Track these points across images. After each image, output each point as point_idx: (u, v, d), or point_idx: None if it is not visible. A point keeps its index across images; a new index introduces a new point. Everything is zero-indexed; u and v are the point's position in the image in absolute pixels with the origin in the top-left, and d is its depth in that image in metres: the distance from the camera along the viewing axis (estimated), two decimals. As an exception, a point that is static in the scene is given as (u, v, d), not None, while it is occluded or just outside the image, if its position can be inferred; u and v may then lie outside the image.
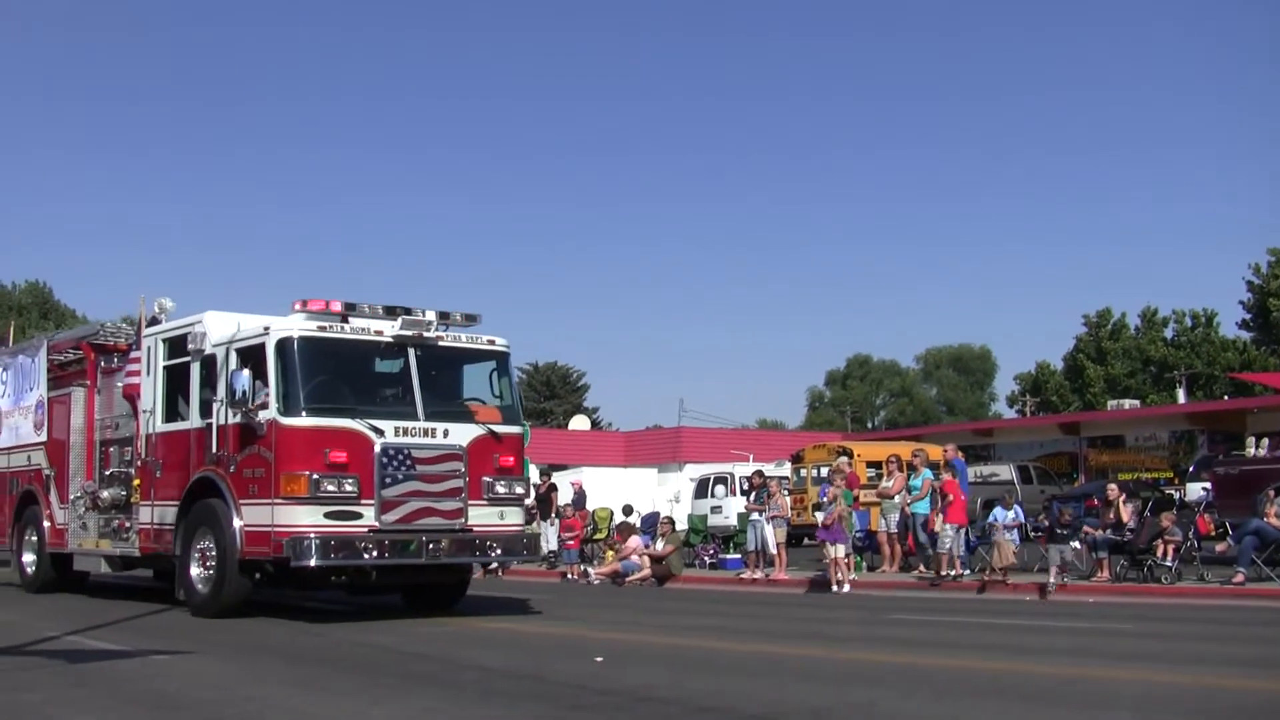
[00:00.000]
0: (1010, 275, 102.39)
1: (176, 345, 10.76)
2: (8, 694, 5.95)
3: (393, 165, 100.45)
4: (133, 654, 7.54)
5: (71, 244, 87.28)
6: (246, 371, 9.45)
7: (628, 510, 19.22)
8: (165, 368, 10.90)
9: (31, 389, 13.32)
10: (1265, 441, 17.16)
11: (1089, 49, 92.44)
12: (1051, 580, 12.19)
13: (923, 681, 6.41)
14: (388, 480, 9.42)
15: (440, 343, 10.19)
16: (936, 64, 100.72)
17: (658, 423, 52.79)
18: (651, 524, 18.00)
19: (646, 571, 16.42)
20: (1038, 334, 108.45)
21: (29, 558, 13.24)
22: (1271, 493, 13.08)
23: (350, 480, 9.27)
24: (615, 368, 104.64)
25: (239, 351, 9.82)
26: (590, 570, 17.34)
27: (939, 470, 14.43)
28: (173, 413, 10.80)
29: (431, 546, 9.52)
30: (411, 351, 9.98)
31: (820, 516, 14.43)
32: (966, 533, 14.16)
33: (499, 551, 10.16)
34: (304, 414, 9.34)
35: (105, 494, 11.68)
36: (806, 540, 20.13)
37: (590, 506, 20.04)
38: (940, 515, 13.85)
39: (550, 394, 60.45)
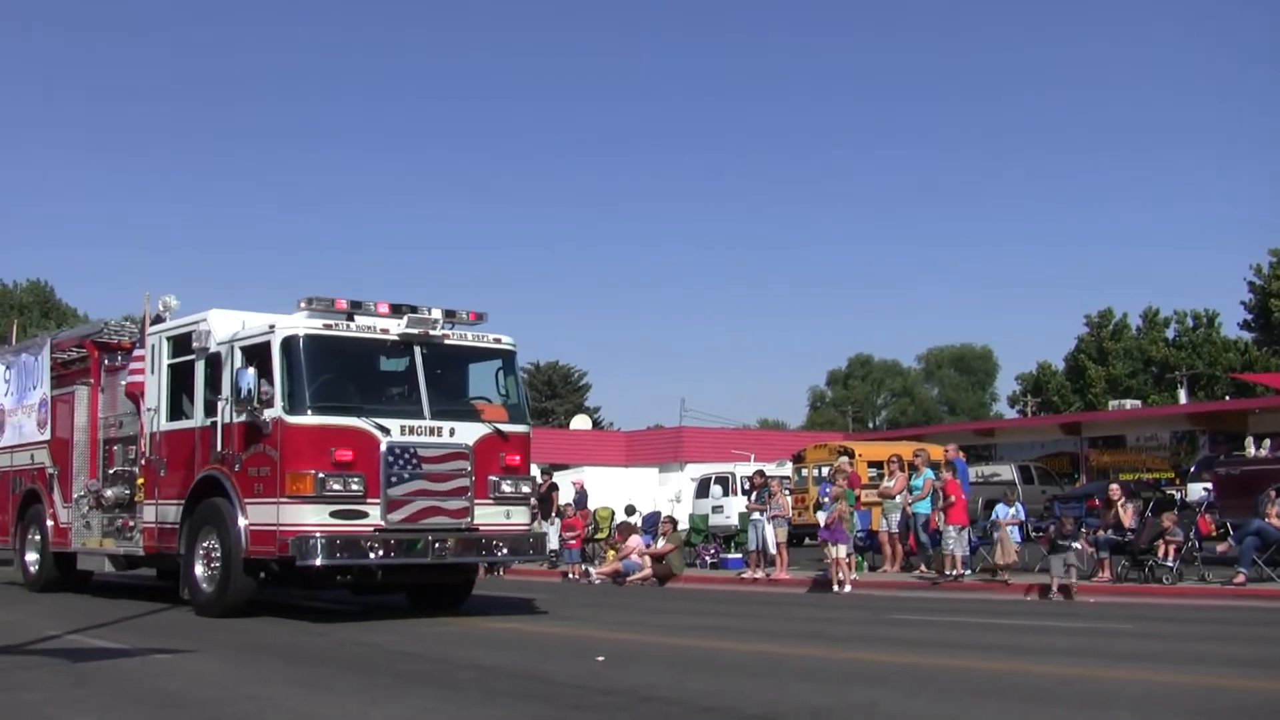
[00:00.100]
0: (1011, 275, 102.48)
1: (181, 343, 10.74)
2: (9, 694, 5.95)
3: (393, 165, 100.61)
4: (134, 653, 7.54)
5: (72, 244, 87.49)
6: (252, 370, 9.42)
7: (630, 510, 19.24)
8: (169, 366, 10.87)
9: (35, 387, 13.30)
10: (1266, 442, 17.15)
11: (1089, 49, 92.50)
12: (1054, 591, 12.19)
13: (924, 681, 6.41)
14: (393, 479, 9.39)
15: (446, 341, 10.15)
16: (936, 64, 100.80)
17: (659, 422, 52.82)
18: (653, 524, 18.01)
19: (647, 571, 16.43)
20: (1039, 334, 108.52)
21: (32, 557, 13.23)
22: (1273, 493, 13.07)
23: (356, 479, 9.24)
24: (616, 367, 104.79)
25: (244, 349, 9.79)
26: (591, 570, 17.36)
27: (940, 470, 14.44)
28: (177, 411, 10.78)
29: (437, 546, 9.48)
30: (417, 350, 9.94)
31: (822, 516, 14.44)
32: (968, 533, 14.18)
33: (505, 551, 10.09)
34: (309, 412, 9.31)
35: (109, 493, 11.66)
36: (807, 540, 20.14)
37: (591, 506, 20.07)
38: (941, 515, 13.87)
39: (552, 393, 60.46)
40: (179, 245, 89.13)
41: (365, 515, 9.28)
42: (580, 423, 48.96)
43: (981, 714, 5.49)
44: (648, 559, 16.61)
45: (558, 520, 18.55)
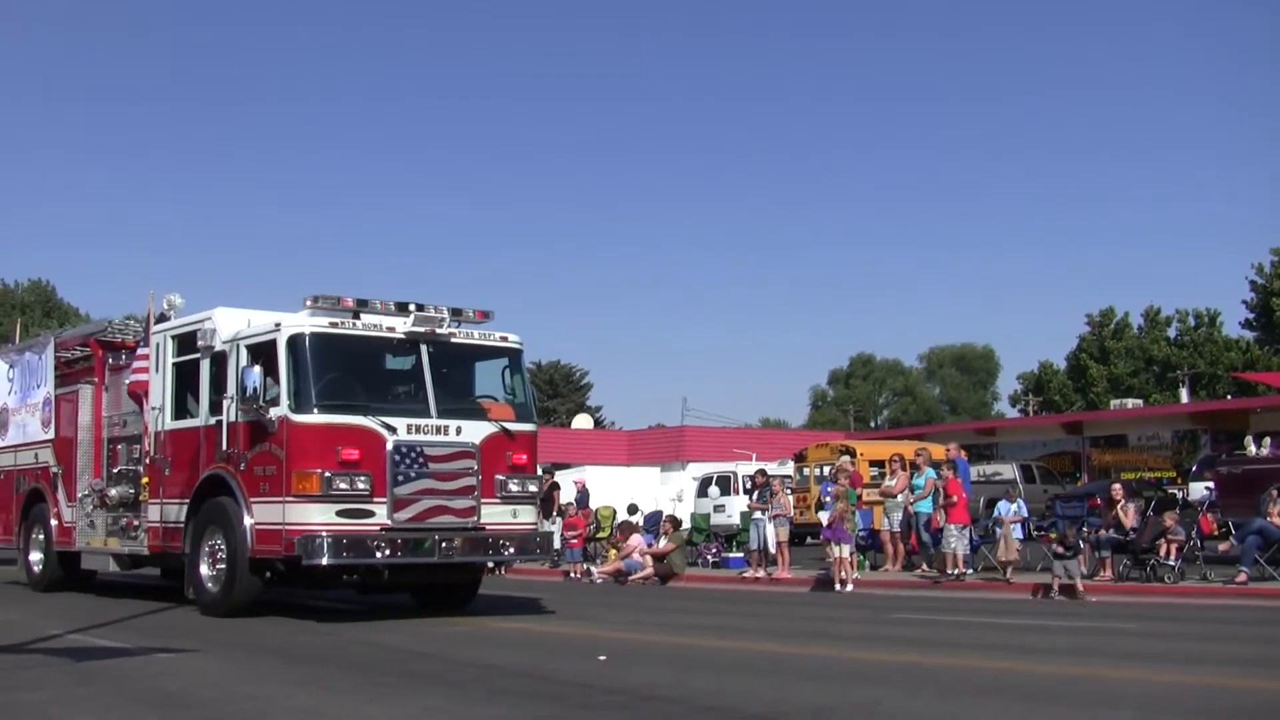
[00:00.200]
0: (1012, 275, 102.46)
1: (186, 342, 10.70)
2: (11, 693, 5.94)
3: (393, 165, 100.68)
4: (136, 653, 7.54)
5: (73, 244, 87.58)
6: (257, 368, 9.37)
7: (632, 509, 19.25)
8: (174, 365, 10.84)
9: (39, 386, 13.25)
10: (1266, 440, 17.15)
11: (1089, 49, 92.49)
12: (1056, 591, 12.20)
13: (926, 681, 6.41)
14: (400, 478, 9.35)
15: (453, 339, 10.11)
16: (936, 64, 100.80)
17: (661, 422, 52.86)
18: (654, 523, 18.03)
19: (649, 570, 16.44)
20: (1040, 333, 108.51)
21: (36, 556, 13.20)
22: (1274, 492, 13.07)
23: (362, 478, 9.19)
24: (618, 367, 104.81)
25: (249, 348, 9.75)
26: (593, 569, 17.37)
27: (941, 469, 14.45)
28: (182, 410, 10.75)
29: (444, 545, 9.43)
30: (424, 348, 9.90)
31: (824, 516, 14.45)
32: (970, 532, 14.18)
33: (512, 550, 10.03)
34: (316, 411, 9.27)
35: (113, 492, 11.64)
36: (809, 539, 20.15)
37: (593, 505, 20.08)
38: (943, 514, 13.87)
39: (553, 393, 60.48)
40: (179, 245, 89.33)
41: (372, 514, 9.24)
42: (582, 422, 48.99)
43: (983, 713, 5.49)
44: (649, 558, 16.62)
45: (559, 519, 18.56)
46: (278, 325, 9.59)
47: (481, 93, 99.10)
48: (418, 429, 9.51)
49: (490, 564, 11.41)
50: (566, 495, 20.11)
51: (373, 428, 9.33)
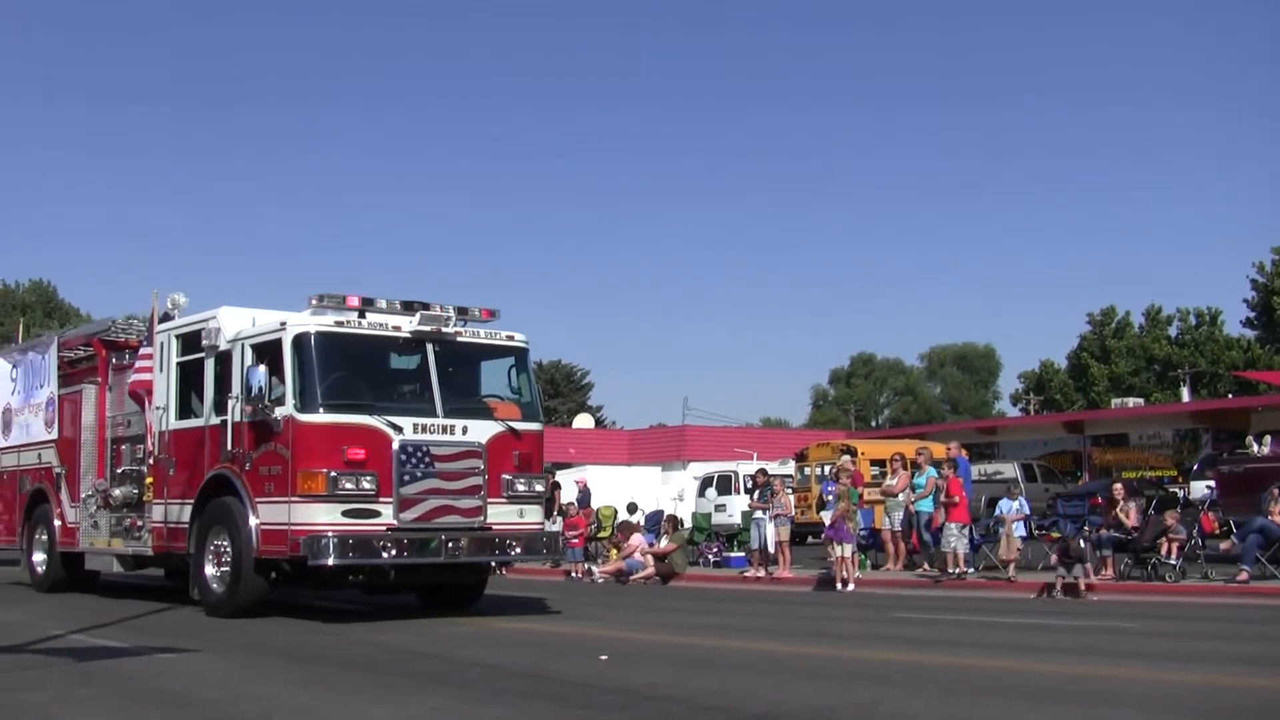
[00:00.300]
0: (1013, 274, 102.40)
1: (190, 341, 10.67)
2: (12, 693, 5.94)
3: (393, 165, 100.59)
4: (139, 653, 7.54)
5: (73, 244, 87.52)
6: (262, 367, 9.34)
7: (631, 508, 19.26)
8: (178, 364, 10.82)
9: (42, 386, 13.21)
10: (1267, 439, 17.15)
11: (1089, 49, 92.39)
12: (1058, 590, 12.19)
13: (928, 680, 6.42)
14: (406, 478, 9.31)
15: (459, 338, 10.07)
16: (936, 64, 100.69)
17: (662, 421, 52.89)
18: (655, 522, 18.05)
19: (650, 570, 16.45)
20: (1042, 333, 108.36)
21: (39, 557, 13.16)
22: (1276, 491, 13.07)
23: (368, 478, 9.16)
24: (619, 367, 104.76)
25: (254, 347, 9.72)
26: (594, 568, 17.38)
27: (942, 468, 14.45)
28: (186, 409, 10.72)
29: (451, 545, 9.39)
30: (430, 347, 9.86)
31: (827, 515, 14.45)
32: (971, 531, 14.19)
33: (519, 550, 9.97)
34: (321, 410, 9.24)
35: (117, 492, 11.59)
36: (810, 539, 20.16)
37: (594, 505, 20.10)
38: (943, 513, 13.88)
39: (555, 392, 60.49)
40: (179, 245, 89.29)
41: (378, 514, 9.20)
42: (583, 421, 49.01)
43: (985, 712, 5.50)
44: (650, 558, 16.64)
45: (560, 519, 18.59)
46: (283, 324, 9.55)
47: (481, 93, 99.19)
48: (424, 428, 9.48)
49: (505, 564, 11.34)
50: (568, 495, 20.12)
51: (378, 427, 9.30)
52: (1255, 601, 11.41)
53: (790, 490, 18.40)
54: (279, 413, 9.32)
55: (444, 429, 9.59)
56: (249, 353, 9.75)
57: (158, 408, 10.95)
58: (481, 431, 9.80)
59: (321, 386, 9.33)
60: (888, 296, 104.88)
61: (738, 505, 22.80)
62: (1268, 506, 12.82)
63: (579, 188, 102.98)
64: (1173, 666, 6.94)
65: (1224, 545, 13.58)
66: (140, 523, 11.26)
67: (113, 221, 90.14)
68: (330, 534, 8.96)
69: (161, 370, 10.99)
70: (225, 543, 9.80)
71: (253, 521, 9.46)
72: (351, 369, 9.78)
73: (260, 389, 9.28)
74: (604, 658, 7.23)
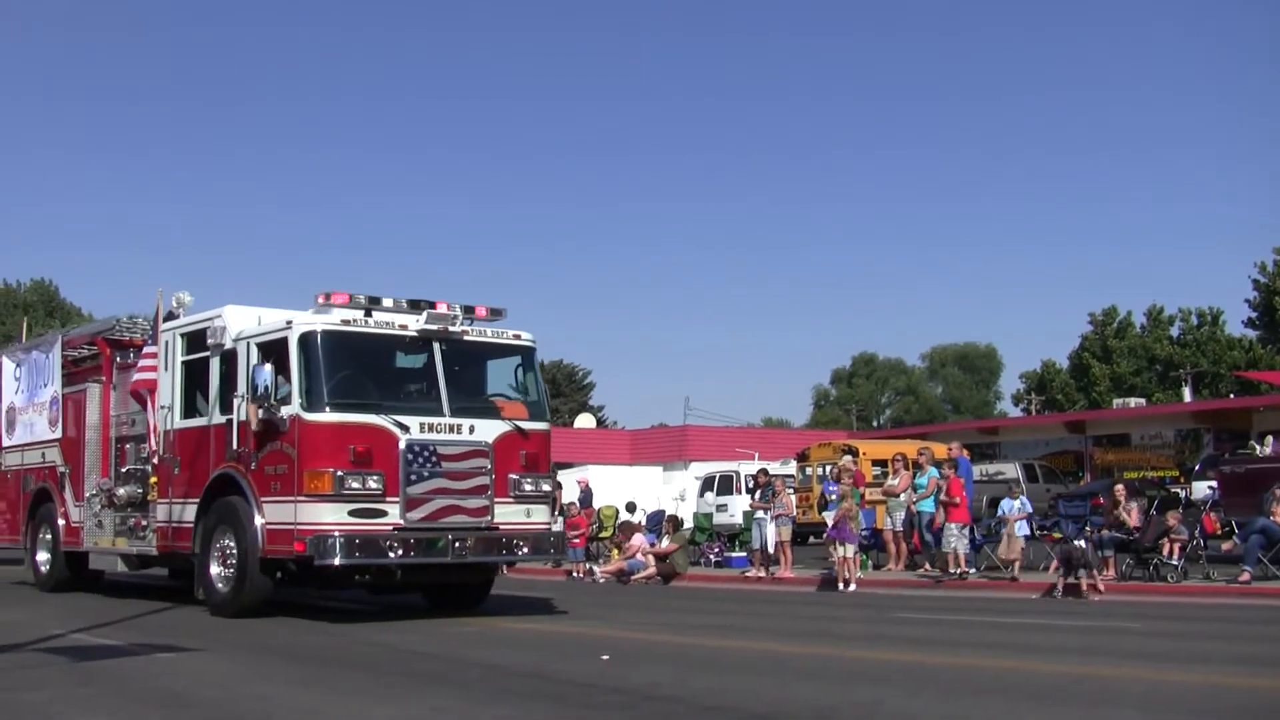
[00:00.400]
0: (1014, 274, 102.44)
1: (195, 340, 10.65)
2: (13, 693, 5.93)
3: (393, 165, 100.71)
4: (140, 652, 7.54)
5: (73, 244, 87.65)
6: (268, 366, 9.30)
7: (630, 508, 19.28)
8: (183, 363, 10.79)
9: (46, 385, 13.16)
10: (1269, 439, 17.16)
11: (1089, 49, 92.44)
12: (1059, 591, 12.20)
13: (929, 680, 6.42)
14: (413, 477, 9.27)
15: (465, 337, 10.02)
16: (936, 64, 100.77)
17: (663, 421, 52.90)
18: (657, 522, 18.07)
19: (652, 570, 16.47)
20: (1043, 333, 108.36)
21: (43, 556, 13.13)
22: (1278, 491, 13.07)
23: (375, 477, 9.11)
24: (620, 367, 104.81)
25: (260, 346, 9.68)
26: (595, 568, 17.40)
27: (943, 468, 14.45)
28: (191, 409, 10.69)
29: (458, 545, 9.34)
30: (436, 346, 9.81)
31: (829, 515, 14.45)
32: (972, 530, 14.19)
33: (526, 550, 9.91)
34: (328, 410, 9.19)
35: (121, 491, 11.56)
36: (811, 539, 20.18)
37: (596, 505, 20.12)
38: (943, 514, 13.88)
39: (556, 392, 60.48)
40: (179, 245, 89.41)
41: (384, 514, 9.16)
42: (585, 421, 49.02)
43: (986, 712, 5.50)
44: (652, 558, 16.66)
45: (562, 519, 18.61)
46: (289, 323, 9.51)
47: (481, 93, 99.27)
48: (430, 428, 9.43)
49: (512, 564, 11.27)
50: (569, 495, 20.15)
51: (385, 426, 9.25)
52: (1257, 602, 11.40)
53: (792, 490, 18.39)
54: (285, 412, 9.28)
55: (451, 428, 9.54)
56: (255, 351, 9.70)
57: (163, 407, 10.91)
58: (488, 431, 9.75)
59: (328, 385, 9.29)
60: (888, 296, 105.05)
61: (739, 505, 22.82)
62: (1269, 507, 12.82)
63: (579, 188, 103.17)
64: (1175, 667, 6.93)
65: (1226, 546, 13.59)
66: (144, 522, 11.23)
67: (113, 221, 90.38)
68: (337, 534, 8.92)
69: (166, 369, 10.96)
70: (230, 542, 9.76)
71: (258, 521, 9.42)
72: (358, 368, 9.74)
73: (266, 388, 9.24)
74: (606, 658, 7.24)
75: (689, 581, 16.30)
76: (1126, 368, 54.02)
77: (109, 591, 12.76)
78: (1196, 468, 23.35)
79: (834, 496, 14.65)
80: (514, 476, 9.84)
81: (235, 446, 9.73)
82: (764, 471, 17.41)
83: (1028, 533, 13.95)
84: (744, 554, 17.11)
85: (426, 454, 9.37)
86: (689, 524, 19.31)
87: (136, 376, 11.27)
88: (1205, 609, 11.04)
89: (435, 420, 9.51)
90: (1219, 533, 14.11)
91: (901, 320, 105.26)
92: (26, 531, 13.50)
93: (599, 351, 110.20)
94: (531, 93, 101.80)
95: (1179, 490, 21.63)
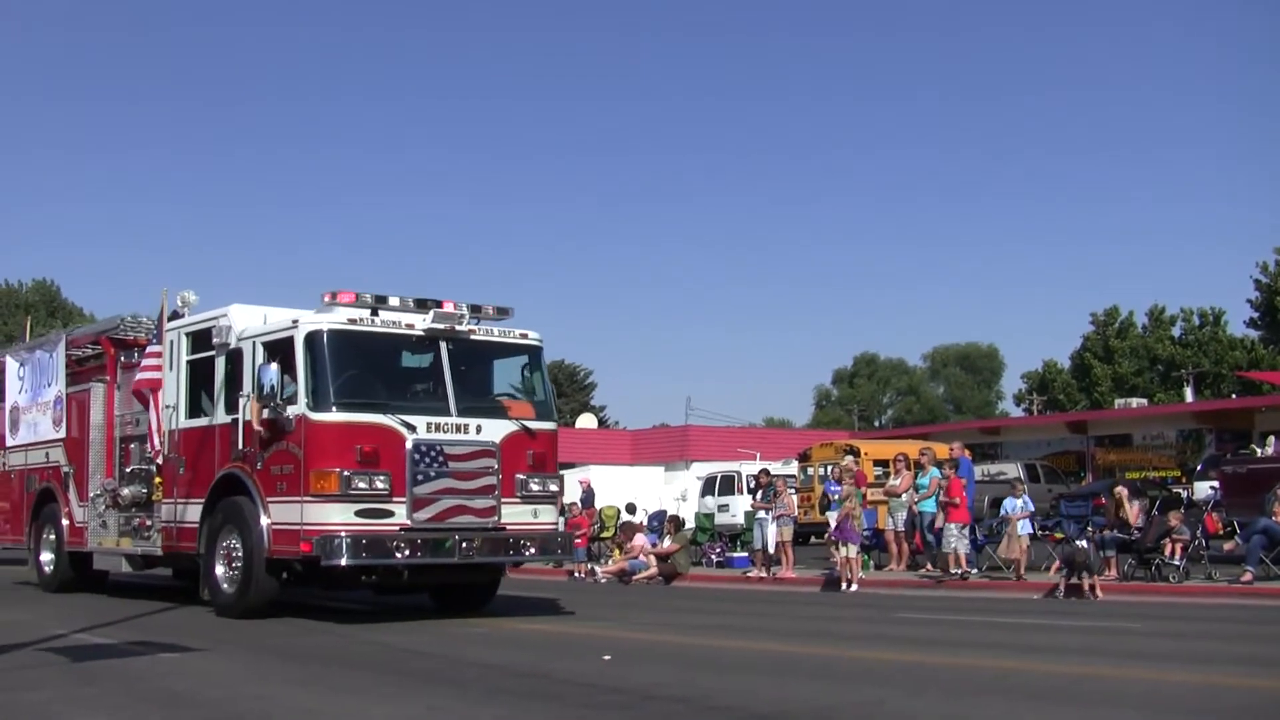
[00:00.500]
0: (1015, 274, 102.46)
1: (200, 339, 10.60)
2: (14, 693, 5.93)
3: (393, 165, 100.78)
4: (143, 652, 7.54)
5: (74, 244, 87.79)
6: (274, 365, 9.25)
7: (630, 509, 19.30)
8: (188, 362, 10.74)
9: (49, 385, 13.10)
10: (1271, 439, 17.16)
11: (1089, 49, 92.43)
12: (1061, 591, 12.21)
13: (930, 680, 6.43)
14: (420, 477, 9.21)
15: (472, 336, 9.97)
16: (936, 64, 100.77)
17: (665, 421, 52.93)
18: (659, 522, 18.08)
19: (653, 570, 16.49)
20: (1045, 333, 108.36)
21: (47, 556, 13.09)
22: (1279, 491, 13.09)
23: (382, 477, 9.06)
24: (621, 367, 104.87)
25: (266, 345, 9.63)
26: (597, 568, 17.42)
27: (943, 469, 14.46)
28: (196, 408, 10.65)
29: (465, 546, 9.29)
30: (443, 345, 9.76)
31: (832, 515, 14.45)
32: (974, 530, 14.20)
33: (533, 551, 9.87)
34: (334, 409, 9.14)
35: (126, 491, 11.51)
36: (813, 539, 20.19)
37: (597, 505, 20.14)
38: (943, 514, 13.89)
39: (557, 392, 60.53)
40: (180, 245, 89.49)
41: (391, 514, 9.11)
42: (586, 421, 49.04)
43: (987, 712, 5.50)
44: (653, 558, 16.68)
45: (563, 519, 18.62)
46: (295, 322, 9.47)
47: (481, 93, 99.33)
48: (437, 427, 9.39)
49: (519, 564, 11.17)
50: (571, 495, 20.16)
51: (392, 426, 9.21)
52: (1259, 602, 11.40)
53: (793, 490, 18.41)
54: (291, 411, 9.23)
55: (458, 428, 9.49)
56: (261, 350, 9.66)
57: (167, 406, 10.87)
58: (495, 431, 9.71)
59: (334, 385, 9.25)
60: (889, 296, 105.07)
61: (740, 505, 22.84)
62: (1271, 507, 12.83)
63: (579, 188, 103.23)
64: (1176, 667, 6.93)
65: (1228, 546, 13.60)
66: (149, 522, 11.19)
67: (113, 221, 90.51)
68: (343, 534, 8.87)
69: (171, 368, 10.91)
70: (236, 543, 9.71)
71: (264, 521, 9.38)
72: (364, 367, 9.69)
73: (273, 387, 9.20)
74: (607, 658, 7.23)
75: (690, 582, 16.30)
76: (1128, 368, 53.98)
77: (113, 592, 12.73)
78: (1198, 468, 23.33)
79: (837, 496, 14.65)
80: (521, 476, 9.79)
81: (241, 446, 9.69)
82: (765, 472, 17.43)
83: (1030, 531, 13.95)
84: (745, 554, 17.11)
85: (433, 454, 9.33)
86: (690, 524, 19.33)
87: (139, 376, 11.22)
88: (1207, 609, 11.05)
89: (442, 420, 9.47)
90: (1221, 533, 14.12)
91: (903, 320, 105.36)
92: (30, 532, 13.45)
93: (600, 351, 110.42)
94: (531, 93, 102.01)
95: (1181, 490, 21.63)
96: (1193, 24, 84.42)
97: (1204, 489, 19.06)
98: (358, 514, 9.03)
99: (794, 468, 25.09)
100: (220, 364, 10.25)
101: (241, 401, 9.72)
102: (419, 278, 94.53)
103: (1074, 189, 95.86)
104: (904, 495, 15.20)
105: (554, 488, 10.26)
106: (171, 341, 10.99)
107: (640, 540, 17.14)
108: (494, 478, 9.61)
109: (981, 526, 14.95)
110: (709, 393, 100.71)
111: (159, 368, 10.98)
